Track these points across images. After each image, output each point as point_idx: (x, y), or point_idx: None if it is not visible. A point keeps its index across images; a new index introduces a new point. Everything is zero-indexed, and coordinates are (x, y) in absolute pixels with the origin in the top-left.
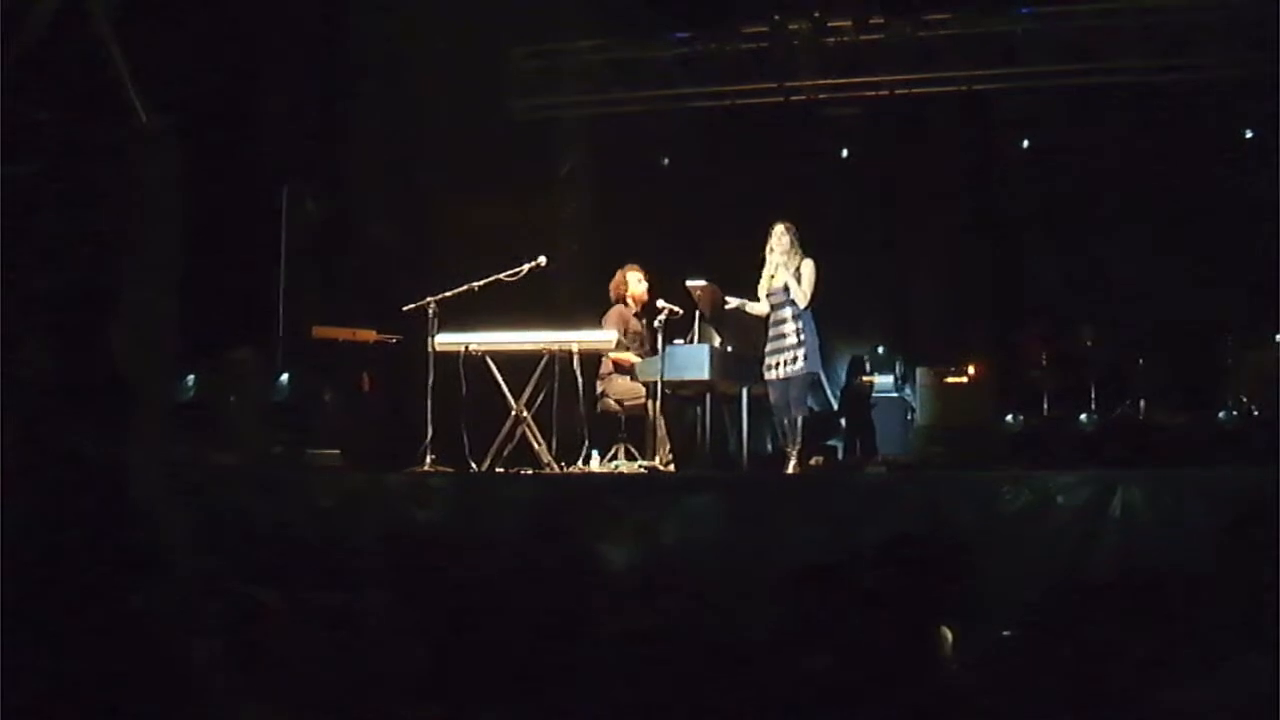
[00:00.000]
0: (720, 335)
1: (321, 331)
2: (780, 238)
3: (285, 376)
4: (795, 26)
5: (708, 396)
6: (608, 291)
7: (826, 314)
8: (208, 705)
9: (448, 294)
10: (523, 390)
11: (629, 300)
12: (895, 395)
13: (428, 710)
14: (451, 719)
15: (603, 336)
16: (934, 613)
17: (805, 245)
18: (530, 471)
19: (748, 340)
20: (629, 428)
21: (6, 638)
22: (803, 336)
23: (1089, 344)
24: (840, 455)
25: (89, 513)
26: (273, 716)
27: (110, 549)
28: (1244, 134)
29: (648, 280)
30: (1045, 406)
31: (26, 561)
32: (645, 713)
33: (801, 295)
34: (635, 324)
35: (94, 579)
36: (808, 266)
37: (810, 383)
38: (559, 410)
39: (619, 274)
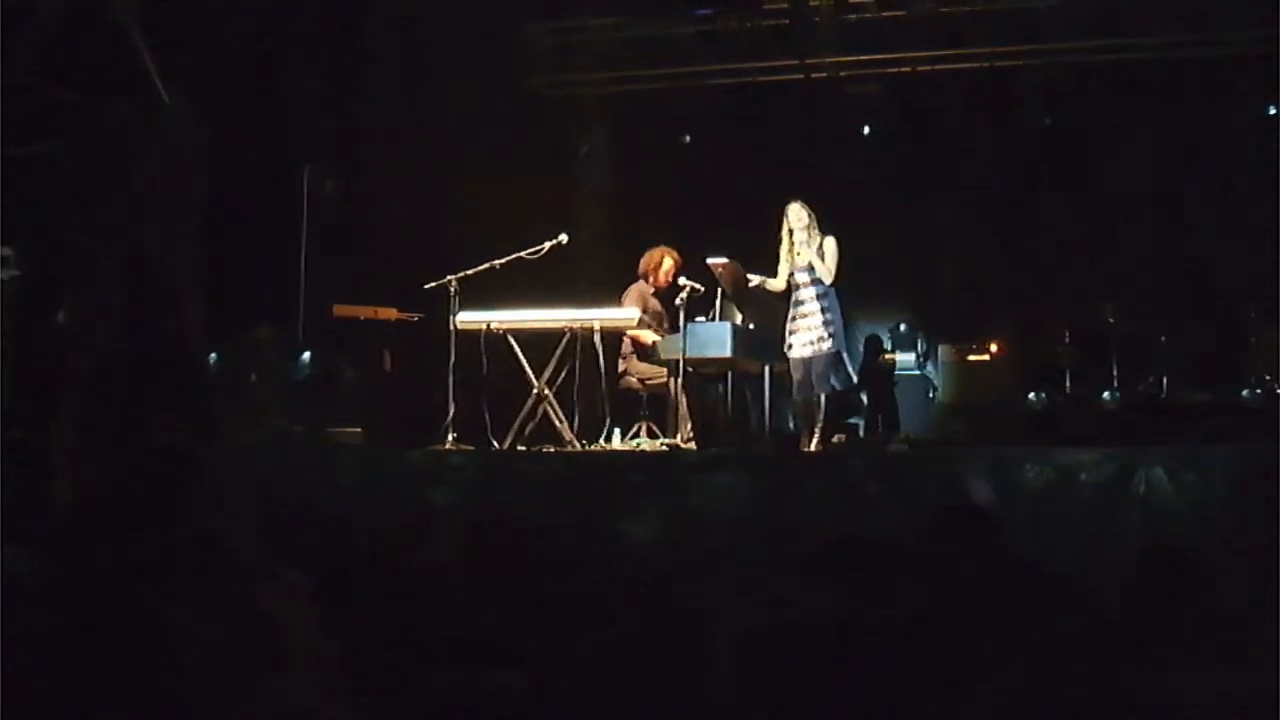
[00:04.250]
0: (742, 313)
1: (343, 310)
2: (799, 216)
3: (306, 355)
4: (817, 3)
5: (730, 374)
6: (629, 269)
7: (848, 291)
8: (231, 684)
9: (469, 272)
10: (544, 368)
11: (653, 280)
12: (917, 373)
13: (447, 678)
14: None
15: (624, 314)
16: (970, 590)
17: (826, 223)
18: (552, 449)
19: (770, 318)
20: (650, 405)
21: (50, 623)
22: (829, 315)
23: (1111, 321)
24: (862, 433)
25: (160, 494)
26: (288, 695)
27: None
28: (1268, 110)
29: (678, 266)
30: (1067, 384)
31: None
32: (665, 692)
33: (826, 272)
34: (654, 303)
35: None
36: (830, 243)
37: (834, 361)
38: (581, 388)
39: (658, 253)
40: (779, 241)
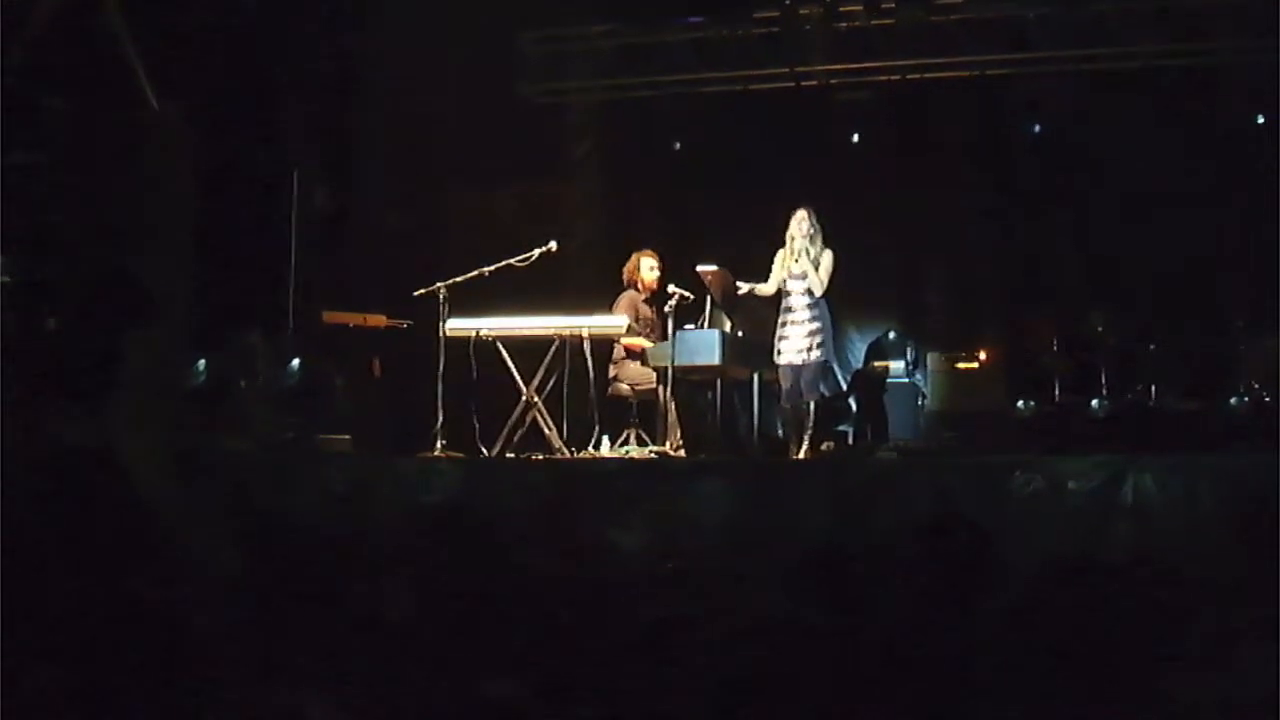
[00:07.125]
0: (731, 320)
1: (332, 317)
2: (801, 223)
3: (296, 362)
4: (807, 11)
5: (719, 381)
6: (618, 276)
7: (838, 299)
8: (214, 691)
9: (458, 279)
10: (533, 375)
11: (639, 286)
12: (906, 381)
13: (438, 689)
14: (457, 701)
15: (613, 321)
16: (952, 596)
17: (823, 233)
18: (541, 457)
19: (759, 325)
20: (640, 413)
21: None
22: (819, 324)
23: (1100, 330)
24: (850, 440)
25: (87, 499)
26: (278, 703)
27: (110, 536)
28: (1255, 119)
29: (661, 267)
30: (1056, 392)
31: (24, 551)
32: (656, 699)
33: (818, 283)
34: (645, 310)
35: (93, 567)
36: (827, 256)
37: (823, 369)
38: (570, 395)
39: (633, 258)
40: (778, 244)
